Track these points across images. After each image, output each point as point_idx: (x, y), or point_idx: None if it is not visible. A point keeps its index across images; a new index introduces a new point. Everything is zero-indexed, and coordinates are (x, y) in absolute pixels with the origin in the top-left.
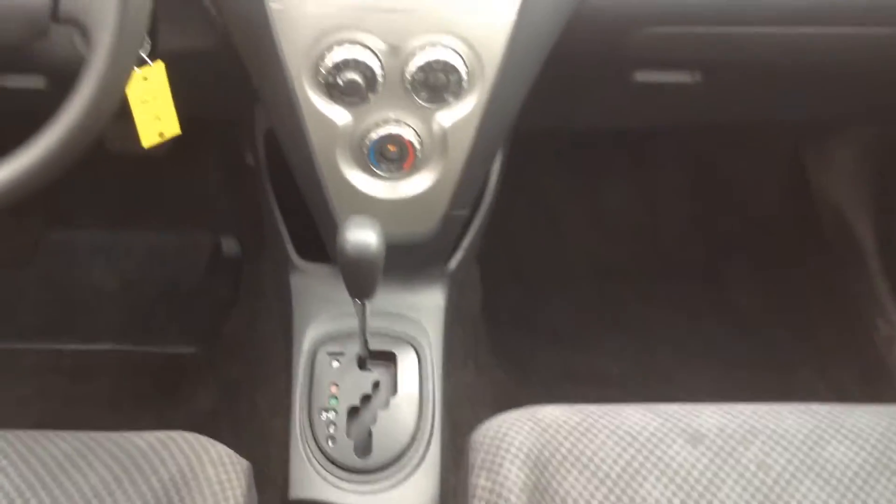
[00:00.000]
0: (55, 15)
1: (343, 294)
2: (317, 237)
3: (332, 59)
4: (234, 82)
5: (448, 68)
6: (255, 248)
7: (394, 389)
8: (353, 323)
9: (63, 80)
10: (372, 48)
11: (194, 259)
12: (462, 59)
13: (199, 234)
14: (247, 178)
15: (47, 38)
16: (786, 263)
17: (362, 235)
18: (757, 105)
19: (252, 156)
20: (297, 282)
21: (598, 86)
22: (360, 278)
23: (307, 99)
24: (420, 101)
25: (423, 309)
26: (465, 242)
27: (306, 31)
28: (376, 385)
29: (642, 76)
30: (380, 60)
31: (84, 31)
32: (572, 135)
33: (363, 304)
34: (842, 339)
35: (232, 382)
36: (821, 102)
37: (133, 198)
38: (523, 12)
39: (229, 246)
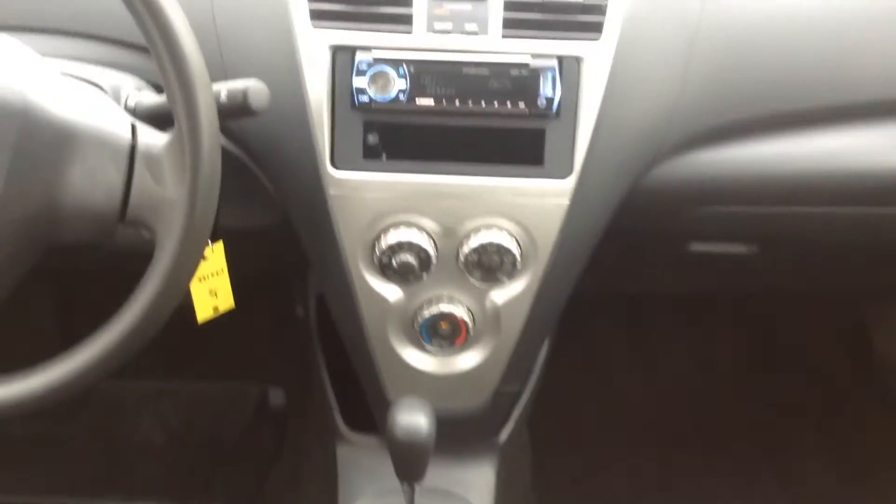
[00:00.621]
0: (123, 217)
1: (391, 468)
2: (365, 404)
3: (386, 241)
4: (288, 253)
5: (502, 250)
6: (301, 400)
7: None
8: (400, 501)
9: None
10: (427, 230)
11: (240, 410)
12: (516, 240)
13: (245, 384)
14: (296, 328)
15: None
16: (851, 430)
17: (413, 419)
18: (817, 275)
19: (302, 308)
20: (343, 453)
21: (651, 254)
22: (410, 462)
23: (361, 277)
24: (473, 281)
25: (472, 486)
26: (516, 413)
27: (363, 214)
28: None
29: (697, 247)
30: (434, 242)
31: (151, 233)
32: (627, 299)
33: (412, 487)
34: None
35: None
36: (883, 272)
37: (181, 346)
38: (576, 197)
39: (276, 397)
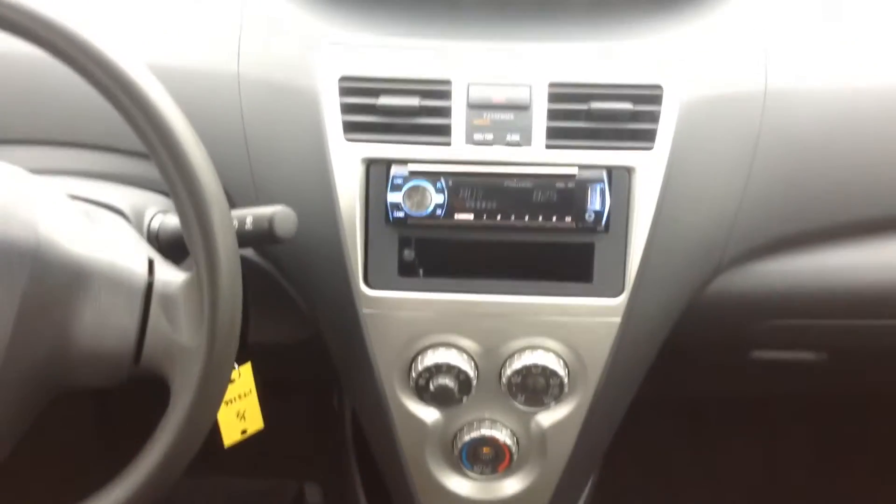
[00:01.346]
0: (137, 361)
1: None
2: None
3: (423, 363)
4: (323, 366)
5: (548, 372)
6: (339, 497)
7: None
8: None
9: None
10: (467, 351)
11: None
12: (563, 361)
13: (282, 480)
14: (334, 423)
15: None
16: None
17: None
18: (887, 379)
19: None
20: None
21: (711, 362)
22: None
23: (396, 399)
24: (517, 404)
25: None
26: None
27: (398, 334)
28: None
29: (761, 354)
30: (475, 363)
31: (165, 381)
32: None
33: None
34: None
35: None
36: None
37: (216, 440)
38: (628, 316)
39: (312, 494)
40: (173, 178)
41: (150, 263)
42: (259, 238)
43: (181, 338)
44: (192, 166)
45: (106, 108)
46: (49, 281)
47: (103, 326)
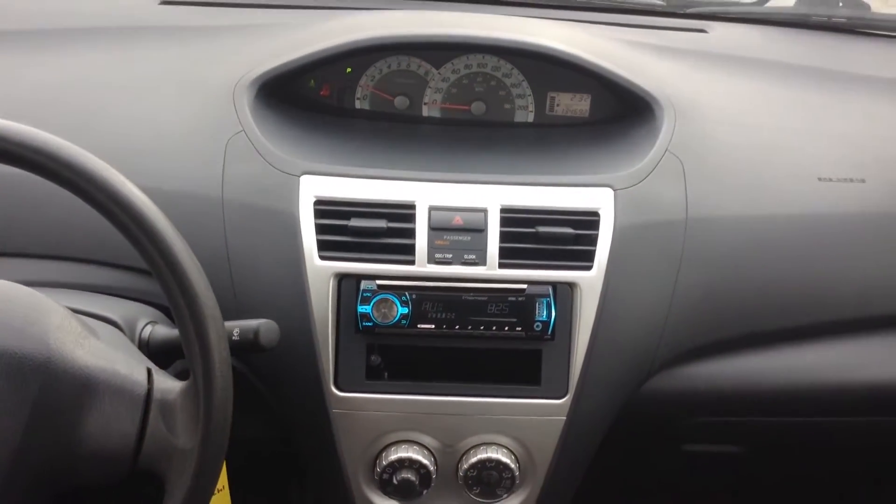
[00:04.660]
0: (135, 463)
1: None
2: None
3: (388, 458)
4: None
5: (500, 466)
6: None
7: None
8: None
9: None
10: (427, 446)
11: None
12: (514, 456)
13: None
14: None
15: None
16: None
17: None
18: (805, 472)
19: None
20: None
21: (645, 452)
22: None
23: (361, 492)
24: (472, 496)
25: None
26: None
27: (365, 432)
28: None
29: (691, 447)
30: (434, 458)
31: (159, 480)
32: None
33: None
34: None
35: None
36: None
37: None
38: (572, 415)
39: None
40: (176, 298)
41: (149, 372)
42: (245, 347)
43: (177, 441)
44: (194, 289)
45: (94, 224)
46: (58, 390)
47: (106, 431)
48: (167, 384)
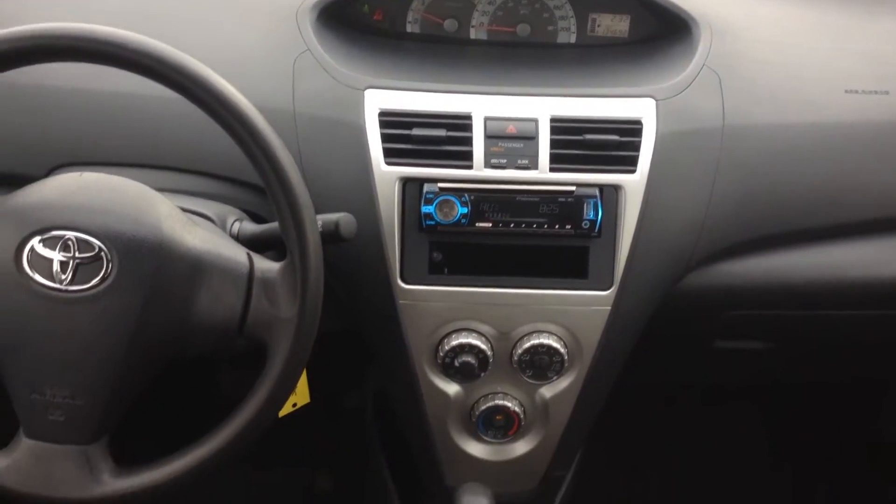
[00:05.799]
0: (241, 332)
1: None
2: (415, 494)
3: (449, 344)
4: (350, 356)
5: (551, 351)
6: (349, 486)
7: None
8: None
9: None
10: (484, 334)
11: (288, 495)
12: (563, 343)
13: (293, 469)
14: (345, 419)
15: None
16: None
17: (477, 502)
18: (829, 368)
19: (355, 401)
20: None
21: (681, 350)
22: None
23: (425, 376)
24: (525, 378)
25: None
26: (559, 496)
27: (428, 321)
28: None
29: (722, 344)
30: (491, 345)
31: (264, 347)
32: (661, 391)
33: None
34: None
35: None
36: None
37: None
38: (616, 306)
39: (323, 481)
40: (276, 191)
41: (249, 256)
42: (328, 238)
43: (279, 312)
44: (291, 180)
45: (185, 135)
46: (172, 270)
47: (215, 305)
48: (266, 264)
